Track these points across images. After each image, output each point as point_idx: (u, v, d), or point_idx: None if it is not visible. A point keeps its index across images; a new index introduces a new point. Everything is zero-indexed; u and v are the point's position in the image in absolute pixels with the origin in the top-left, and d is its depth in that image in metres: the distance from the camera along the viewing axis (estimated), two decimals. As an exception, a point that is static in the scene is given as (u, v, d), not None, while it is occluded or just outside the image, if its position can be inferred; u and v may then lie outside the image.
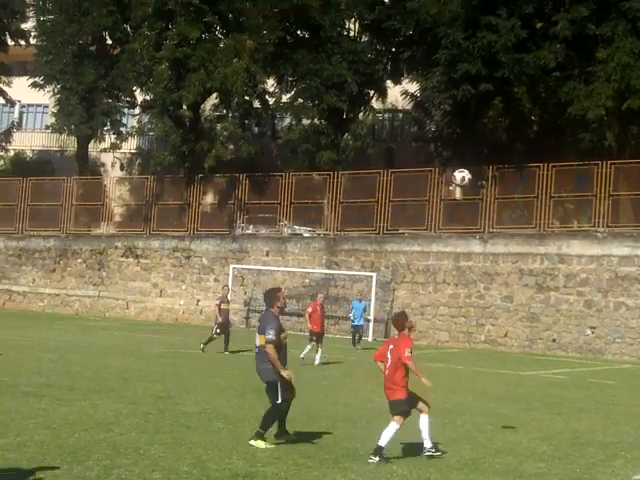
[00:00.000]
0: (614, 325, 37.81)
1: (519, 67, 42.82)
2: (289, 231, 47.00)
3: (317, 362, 27.13)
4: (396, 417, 12.60)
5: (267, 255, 46.67)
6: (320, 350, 27.47)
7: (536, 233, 40.45)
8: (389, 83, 53.50)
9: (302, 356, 27.07)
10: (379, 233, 44.13)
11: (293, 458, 12.00)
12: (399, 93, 54.65)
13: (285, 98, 52.69)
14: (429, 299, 41.94)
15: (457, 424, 14.59)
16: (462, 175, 16.14)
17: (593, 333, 38.26)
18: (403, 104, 56.69)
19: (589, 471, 12.40)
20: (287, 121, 55.18)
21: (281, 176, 47.73)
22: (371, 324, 40.81)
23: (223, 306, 30.64)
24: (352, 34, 53.54)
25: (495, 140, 51.81)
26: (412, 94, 53.76)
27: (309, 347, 27.73)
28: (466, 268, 41.26)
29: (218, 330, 30.13)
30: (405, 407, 12.77)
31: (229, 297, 32.81)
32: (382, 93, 53.64)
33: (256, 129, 57.38)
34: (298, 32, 52.97)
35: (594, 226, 39.86)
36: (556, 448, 14.09)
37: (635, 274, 37.61)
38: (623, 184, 41.00)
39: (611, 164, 39.73)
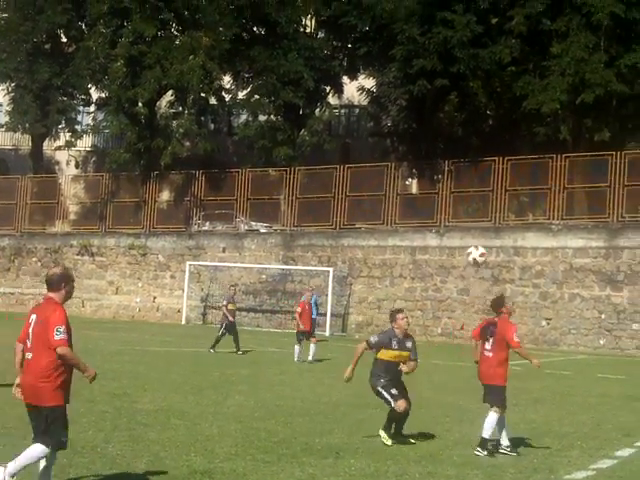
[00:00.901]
0: (569, 316, 38.16)
1: (475, 62, 43.07)
2: (246, 227, 46.94)
3: (311, 358, 26.97)
4: (495, 407, 12.73)
5: (224, 251, 46.58)
6: (312, 345, 27.31)
7: (492, 226, 40.69)
8: (345, 79, 53.65)
9: (297, 359, 27.04)
10: (336, 228, 44.18)
11: (251, 453, 11.98)
12: (355, 89, 54.76)
13: (241, 94, 52.65)
14: (386, 293, 42.06)
15: (415, 417, 14.62)
16: (482, 251, 15.78)
17: (548, 324, 38.59)
18: (359, 100, 56.83)
19: (546, 461, 12.49)
20: (243, 117, 55.13)
21: (237, 172, 47.68)
22: (328, 319, 40.83)
23: (230, 306, 30.32)
24: (308, 30, 53.56)
25: (451, 134, 52.07)
26: (368, 90, 53.88)
27: (298, 348, 27.25)
28: (422, 262, 41.43)
29: (224, 330, 29.65)
30: (503, 396, 12.84)
31: (235, 298, 32.43)
32: (338, 89, 53.77)
33: (212, 126, 57.28)
34: (254, 29, 52.98)
35: (549, 219, 40.20)
36: (513, 439, 14.17)
37: (589, 266, 37.96)
38: (577, 177, 41.38)
39: (565, 157, 40.07)
